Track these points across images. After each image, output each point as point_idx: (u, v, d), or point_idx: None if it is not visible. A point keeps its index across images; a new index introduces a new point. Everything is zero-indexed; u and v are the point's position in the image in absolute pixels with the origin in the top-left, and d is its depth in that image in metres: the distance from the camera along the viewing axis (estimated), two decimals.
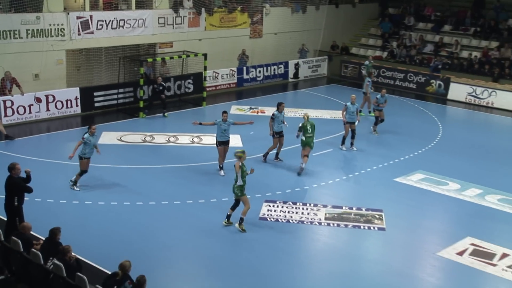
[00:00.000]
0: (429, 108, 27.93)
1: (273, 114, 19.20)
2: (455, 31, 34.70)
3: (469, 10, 35.16)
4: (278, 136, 19.21)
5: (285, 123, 19.35)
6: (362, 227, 15.03)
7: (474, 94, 28.93)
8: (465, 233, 14.83)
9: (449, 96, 29.73)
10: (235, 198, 14.62)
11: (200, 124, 18.32)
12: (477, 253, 13.91)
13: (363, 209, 16.03)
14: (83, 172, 16.36)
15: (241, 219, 14.37)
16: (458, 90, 29.41)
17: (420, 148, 21.38)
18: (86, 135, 16.15)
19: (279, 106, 19.25)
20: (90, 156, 16.37)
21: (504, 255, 13.81)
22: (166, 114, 24.29)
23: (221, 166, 18.00)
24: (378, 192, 17.43)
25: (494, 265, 13.41)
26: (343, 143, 20.92)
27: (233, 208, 14.65)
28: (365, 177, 18.49)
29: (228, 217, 14.61)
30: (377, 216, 15.66)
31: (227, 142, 18.09)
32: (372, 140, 22.31)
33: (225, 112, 18.23)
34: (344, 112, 20.78)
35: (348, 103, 20.79)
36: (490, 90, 28.55)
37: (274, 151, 19.46)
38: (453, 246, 14.19)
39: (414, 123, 25.08)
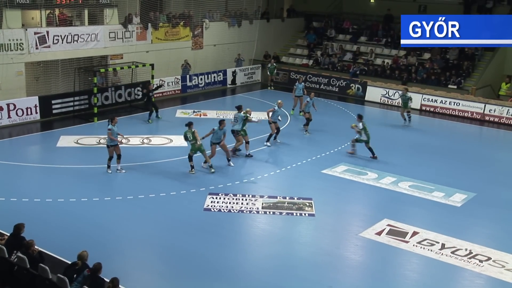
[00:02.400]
0: (350, 108, 28.42)
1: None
2: (370, 42, 35.40)
3: (381, 23, 35.91)
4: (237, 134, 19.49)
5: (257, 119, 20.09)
6: (294, 214, 15.18)
7: (387, 95, 29.60)
8: (382, 216, 15.18)
9: (367, 98, 30.32)
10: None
11: (203, 138, 18.02)
12: (392, 232, 14.26)
13: (295, 198, 16.18)
14: (111, 158, 17.34)
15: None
16: (374, 92, 30.04)
17: (343, 143, 21.73)
18: (110, 126, 16.95)
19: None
20: (115, 144, 17.13)
21: (415, 233, 14.22)
22: (159, 115, 24.09)
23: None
24: (308, 183, 17.63)
25: (406, 242, 13.78)
26: (268, 140, 21.10)
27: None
28: (296, 170, 18.66)
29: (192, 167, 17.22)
30: (307, 204, 15.84)
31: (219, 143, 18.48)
32: (302, 137, 22.53)
33: (223, 121, 18.48)
34: (271, 113, 20.97)
35: (276, 107, 21.02)
36: (400, 92, 29.28)
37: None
38: (373, 227, 14.50)
39: (337, 121, 25.46)
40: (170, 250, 12.92)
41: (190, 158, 17.65)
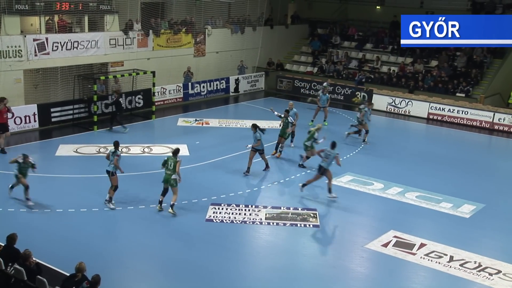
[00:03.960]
0: (355, 117, 28.40)
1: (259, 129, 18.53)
2: (376, 49, 35.51)
3: (387, 30, 36.06)
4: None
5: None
6: (299, 225, 15.17)
7: (393, 104, 29.64)
8: (389, 227, 15.16)
9: (373, 107, 30.33)
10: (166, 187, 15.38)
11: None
12: (399, 244, 14.23)
13: (299, 209, 16.17)
14: (117, 187, 15.74)
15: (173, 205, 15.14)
16: (380, 101, 30.08)
17: (349, 152, 21.74)
18: (117, 151, 15.53)
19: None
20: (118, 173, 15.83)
21: (422, 245, 14.19)
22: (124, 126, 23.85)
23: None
24: (313, 193, 17.61)
25: (414, 254, 13.75)
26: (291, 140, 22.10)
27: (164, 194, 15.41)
28: (300, 180, 18.62)
29: (160, 203, 15.43)
30: (312, 215, 15.83)
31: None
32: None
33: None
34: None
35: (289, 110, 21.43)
36: (407, 100, 29.35)
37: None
38: (379, 239, 14.48)
39: (343, 130, 25.45)
40: (171, 261, 12.91)
41: (165, 191, 15.47)
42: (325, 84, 27.90)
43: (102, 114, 24.65)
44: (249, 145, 18.87)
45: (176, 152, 15.39)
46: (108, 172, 15.56)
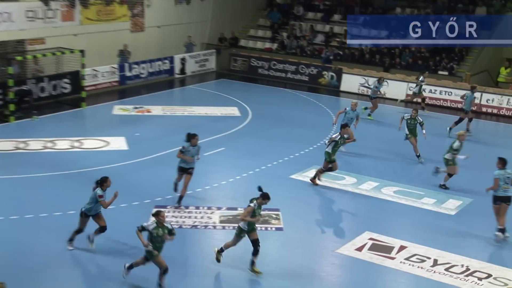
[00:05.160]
0: (323, 101, 28.70)
1: (183, 147, 16.02)
2: (345, 21, 35.62)
3: None
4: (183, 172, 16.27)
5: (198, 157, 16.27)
6: (259, 228, 15.17)
7: (366, 84, 29.98)
8: (363, 228, 15.35)
9: (342, 88, 30.69)
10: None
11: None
12: (375, 247, 14.43)
13: None
14: (81, 230, 13.72)
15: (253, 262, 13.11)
16: (351, 81, 30.42)
17: (315, 142, 21.90)
18: (100, 191, 13.28)
19: (192, 138, 16.01)
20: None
21: (402, 248, 14.41)
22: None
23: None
24: (274, 191, 17.44)
25: (392, 258, 13.96)
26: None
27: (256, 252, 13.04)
28: (260, 175, 18.68)
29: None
30: (274, 216, 15.88)
31: None
32: (265, 136, 22.61)
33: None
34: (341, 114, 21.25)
35: (348, 108, 21.25)
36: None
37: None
38: (352, 242, 14.65)
39: (307, 117, 25.65)
40: (106, 276, 12.76)
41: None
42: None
43: (20, 102, 24.14)
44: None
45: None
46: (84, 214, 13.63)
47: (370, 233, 15.06)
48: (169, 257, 13.28)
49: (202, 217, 15.59)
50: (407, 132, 20.49)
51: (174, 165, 18.50)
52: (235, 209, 16.13)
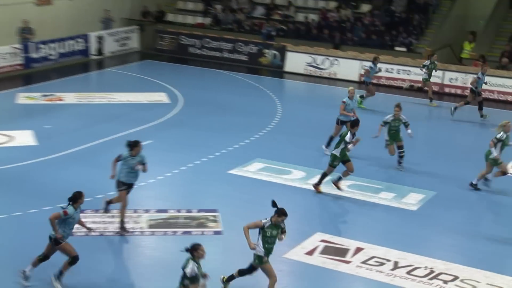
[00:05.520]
0: (264, 83, 28.82)
1: (119, 156, 14.78)
2: None
3: None
4: (125, 188, 15.08)
5: (144, 167, 14.97)
6: (194, 233, 15.21)
7: (314, 64, 30.26)
8: (314, 229, 15.51)
9: (286, 68, 30.88)
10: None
11: None
12: (328, 250, 14.60)
13: (194, 211, 16.23)
14: (46, 257, 12.80)
15: None
16: (296, 61, 30.62)
17: (257, 132, 22.01)
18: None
19: (135, 147, 14.74)
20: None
21: (358, 250, 14.63)
22: None
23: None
24: (211, 189, 17.71)
25: (348, 262, 14.15)
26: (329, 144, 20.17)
27: (242, 273, 12.79)
28: (193, 172, 18.68)
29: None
30: (211, 218, 15.93)
31: None
32: (199, 126, 22.62)
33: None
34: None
35: (346, 98, 20.19)
36: (331, 59, 30.06)
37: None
38: (302, 245, 14.78)
39: (247, 102, 25.72)
40: None
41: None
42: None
43: None
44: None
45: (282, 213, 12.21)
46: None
47: (321, 234, 15.23)
48: (91, 269, 13.19)
49: (127, 222, 15.48)
50: (387, 138, 19.23)
51: (94, 162, 18.40)
52: (166, 211, 16.10)
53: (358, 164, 19.53)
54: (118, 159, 14.79)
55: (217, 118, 23.41)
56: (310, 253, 14.49)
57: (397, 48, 30.84)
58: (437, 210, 16.95)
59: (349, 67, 29.55)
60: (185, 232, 15.22)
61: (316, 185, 17.63)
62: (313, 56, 30.38)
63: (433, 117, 26.00)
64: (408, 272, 13.81)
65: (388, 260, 14.23)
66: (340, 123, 20.07)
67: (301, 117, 24.21)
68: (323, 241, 14.98)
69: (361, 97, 25.50)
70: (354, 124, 17.46)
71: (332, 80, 29.24)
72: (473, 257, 14.59)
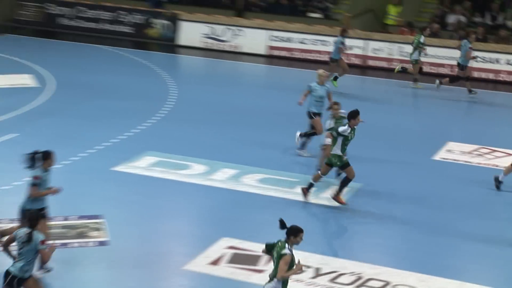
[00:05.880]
0: (154, 60, 28.76)
1: (35, 178, 13.71)
2: None
3: None
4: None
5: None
6: (73, 245, 15.08)
7: (212, 35, 30.37)
8: (219, 234, 15.56)
9: (180, 41, 30.91)
10: None
11: None
12: (237, 258, 14.70)
13: (73, 218, 16.08)
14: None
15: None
16: (191, 32, 30.68)
17: (146, 119, 21.95)
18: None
19: (47, 159, 13.66)
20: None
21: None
22: None
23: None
24: (92, 191, 17.55)
25: (260, 271, 14.29)
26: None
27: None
28: (70, 170, 18.45)
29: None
30: (94, 226, 15.81)
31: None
32: (76, 114, 22.43)
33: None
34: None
35: (313, 83, 19.75)
36: (234, 29, 30.20)
37: None
38: (205, 253, 14.82)
39: (134, 84, 25.61)
40: None
41: None
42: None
43: None
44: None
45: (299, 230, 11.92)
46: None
47: (228, 240, 15.33)
48: None
49: None
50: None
51: None
52: None
53: (274, 155, 19.78)
54: (36, 183, 13.68)
55: (96, 104, 23.19)
56: (216, 262, 14.55)
57: (311, 15, 31.22)
58: (363, 205, 17.26)
59: (256, 38, 29.76)
60: (62, 244, 15.04)
61: (337, 196, 16.96)
62: (211, 25, 30.50)
63: (363, 94, 26.53)
64: (332, 280, 14.06)
65: (308, 267, 14.40)
66: (313, 115, 19.82)
67: (200, 100, 24.25)
68: (230, 247, 15.07)
69: (335, 79, 26.13)
70: (352, 116, 16.90)
71: (236, 55, 29.39)
72: (405, 259, 14.98)
